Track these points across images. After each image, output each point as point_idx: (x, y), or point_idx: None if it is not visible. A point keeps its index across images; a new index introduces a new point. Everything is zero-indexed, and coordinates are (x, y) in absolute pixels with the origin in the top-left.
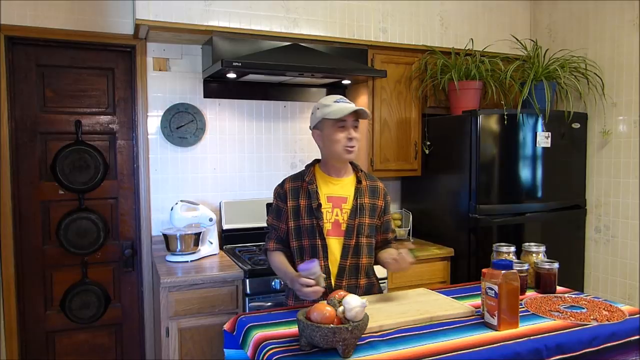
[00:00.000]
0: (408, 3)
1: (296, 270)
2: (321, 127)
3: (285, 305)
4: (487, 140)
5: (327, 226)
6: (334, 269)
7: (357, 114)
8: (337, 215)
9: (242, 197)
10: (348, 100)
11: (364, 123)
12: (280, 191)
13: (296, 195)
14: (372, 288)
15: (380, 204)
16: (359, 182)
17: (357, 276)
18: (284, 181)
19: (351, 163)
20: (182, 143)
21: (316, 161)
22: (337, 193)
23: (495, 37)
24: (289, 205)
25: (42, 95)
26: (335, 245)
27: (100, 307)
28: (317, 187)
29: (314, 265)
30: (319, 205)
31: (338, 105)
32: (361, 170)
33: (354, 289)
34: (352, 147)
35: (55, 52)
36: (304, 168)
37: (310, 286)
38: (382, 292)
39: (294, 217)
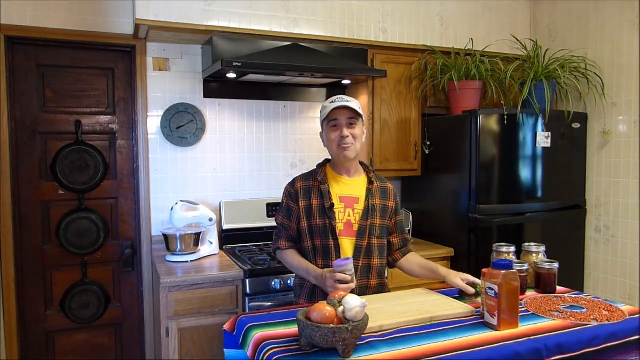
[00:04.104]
0: (408, 3)
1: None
2: (323, 129)
3: (295, 304)
4: (487, 140)
5: (340, 226)
6: None
7: (349, 112)
8: (349, 215)
9: (242, 197)
10: (348, 99)
11: (366, 123)
12: (292, 190)
13: (308, 195)
14: (383, 289)
15: (391, 205)
16: (370, 182)
17: (368, 276)
18: (294, 180)
19: (362, 163)
20: (182, 143)
21: (327, 161)
22: (349, 193)
23: (495, 37)
24: (300, 205)
25: (42, 95)
26: (347, 246)
27: (100, 307)
28: (329, 186)
29: (349, 262)
30: (332, 205)
31: (331, 105)
32: (372, 171)
33: (365, 289)
34: (346, 145)
35: (55, 52)
36: (315, 167)
37: (346, 282)
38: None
39: (306, 217)
